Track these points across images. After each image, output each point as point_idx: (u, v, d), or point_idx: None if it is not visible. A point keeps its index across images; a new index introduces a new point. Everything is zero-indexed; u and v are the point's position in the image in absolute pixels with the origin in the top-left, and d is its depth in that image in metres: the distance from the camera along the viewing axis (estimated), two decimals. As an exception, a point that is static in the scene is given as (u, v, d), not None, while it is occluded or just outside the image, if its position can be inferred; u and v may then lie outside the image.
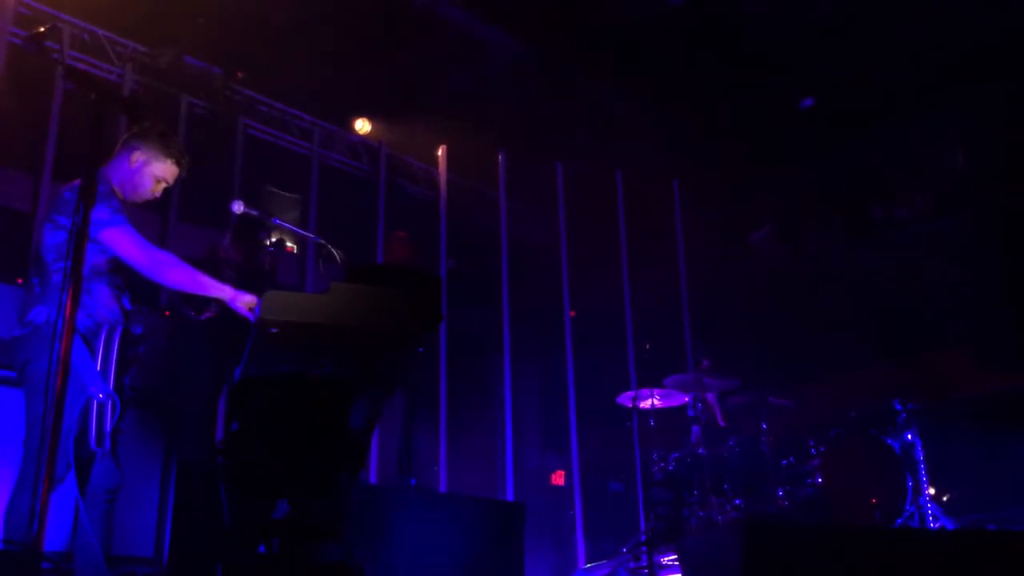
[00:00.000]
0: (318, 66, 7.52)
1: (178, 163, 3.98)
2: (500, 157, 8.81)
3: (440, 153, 8.80)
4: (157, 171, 3.93)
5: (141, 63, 7.19)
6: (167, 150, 3.94)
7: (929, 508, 6.31)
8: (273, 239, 4.40)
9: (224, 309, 3.98)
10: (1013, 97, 7.56)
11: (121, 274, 3.82)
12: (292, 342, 3.27)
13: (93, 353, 3.58)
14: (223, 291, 3.75)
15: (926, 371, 7.37)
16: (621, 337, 8.61)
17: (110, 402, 3.48)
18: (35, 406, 3.56)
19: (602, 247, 8.93)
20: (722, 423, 7.32)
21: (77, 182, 3.73)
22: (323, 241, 3.98)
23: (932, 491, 6.52)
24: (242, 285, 4.09)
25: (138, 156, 3.90)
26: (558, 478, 8.70)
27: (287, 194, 8.36)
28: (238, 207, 4.10)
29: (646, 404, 7.02)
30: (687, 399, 7.12)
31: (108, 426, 3.49)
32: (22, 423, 3.58)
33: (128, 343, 3.69)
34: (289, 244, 7.88)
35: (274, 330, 3.24)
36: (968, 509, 6.85)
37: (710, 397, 7.22)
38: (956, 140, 8.20)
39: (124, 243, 3.72)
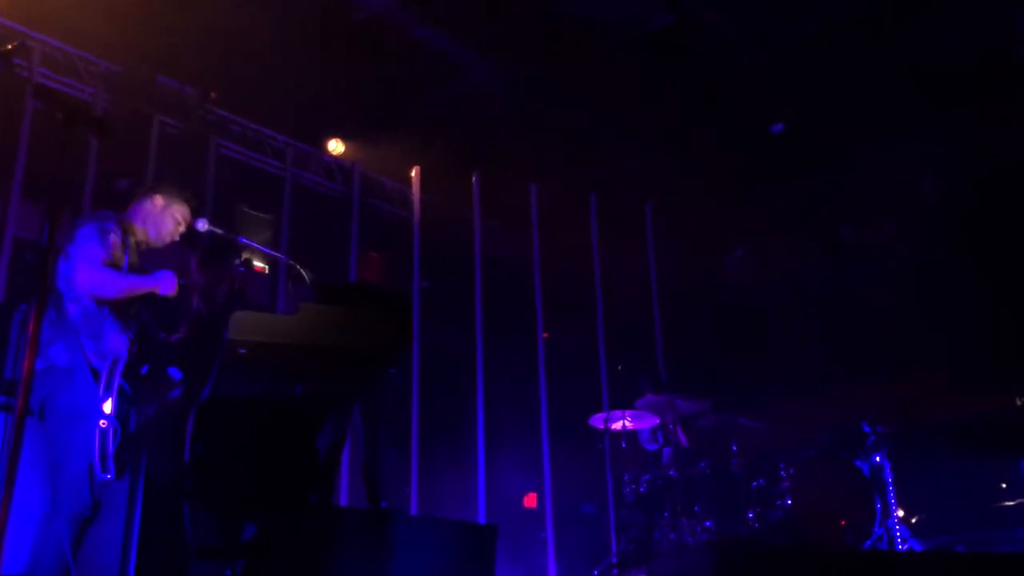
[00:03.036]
0: (292, 86, 7.52)
1: (190, 204, 4.39)
2: (474, 178, 8.83)
3: (414, 174, 8.80)
4: (176, 213, 4.32)
5: (113, 82, 7.15)
6: (180, 195, 4.36)
7: (898, 530, 6.36)
8: (243, 257, 4.42)
9: (193, 330, 4.01)
10: (979, 125, 7.68)
11: (129, 306, 4.00)
12: (261, 363, 3.27)
13: (97, 382, 3.72)
14: (149, 284, 4.04)
15: (896, 394, 7.43)
16: (594, 359, 8.62)
17: (111, 429, 3.57)
18: (63, 435, 3.69)
19: (576, 269, 8.95)
20: (686, 444, 7.32)
21: (86, 215, 4.03)
22: (292, 262, 3.97)
23: (901, 513, 6.56)
24: (210, 307, 4.16)
25: (160, 200, 4.29)
26: (530, 500, 8.67)
27: (260, 214, 8.32)
28: (203, 225, 4.28)
29: (618, 426, 7.03)
30: (658, 421, 7.14)
31: (111, 450, 3.57)
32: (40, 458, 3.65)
33: (147, 377, 3.80)
34: (259, 264, 7.83)
35: (242, 351, 3.23)
36: (936, 531, 6.89)
37: (669, 417, 7.19)
38: (924, 166, 8.31)
39: (80, 261, 3.89)
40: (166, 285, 4.07)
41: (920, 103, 7.76)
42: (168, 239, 4.31)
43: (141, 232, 4.23)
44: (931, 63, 7.46)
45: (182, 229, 4.35)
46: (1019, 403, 6.93)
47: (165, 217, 4.28)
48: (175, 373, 3.94)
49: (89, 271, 3.89)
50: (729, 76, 7.90)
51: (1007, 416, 6.97)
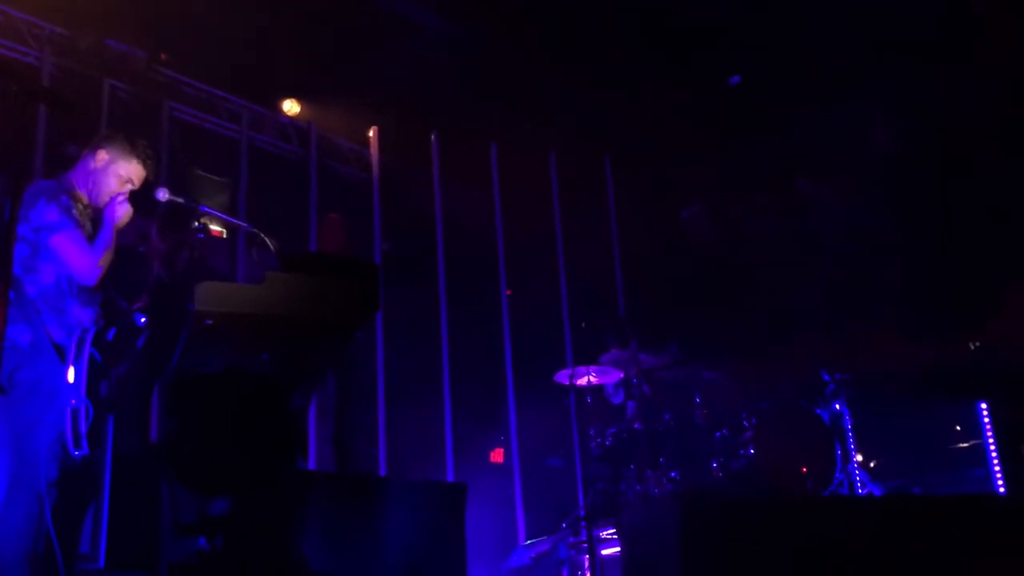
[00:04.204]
0: (245, 47, 7.38)
1: (144, 164, 4.08)
2: (433, 138, 8.77)
3: (372, 134, 8.72)
4: (122, 171, 4.02)
5: (60, 46, 6.97)
6: (133, 150, 4.04)
7: (857, 475, 6.53)
8: (201, 221, 4.34)
9: (156, 298, 3.97)
10: (935, 81, 7.76)
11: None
12: (228, 334, 3.25)
13: (64, 362, 3.62)
14: (111, 231, 3.89)
15: (854, 343, 7.58)
16: (557, 315, 8.68)
17: (83, 407, 3.51)
18: (26, 410, 3.60)
19: (537, 226, 8.97)
20: (649, 393, 7.37)
21: (30, 187, 3.86)
22: (255, 230, 3.92)
23: (860, 458, 6.74)
24: (171, 274, 4.09)
25: (103, 155, 3.99)
26: (497, 456, 8.76)
27: (216, 177, 8.19)
28: (163, 195, 4.00)
29: (583, 381, 7.09)
30: (622, 375, 7.21)
31: (83, 428, 3.52)
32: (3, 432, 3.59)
33: (116, 340, 3.73)
34: (216, 228, 7.72)
35: (209, 321, 3.21)
36: (894, 474, 7.09)
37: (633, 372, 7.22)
38: (878, 121, 8.39)
39: (68, 248, 3.77)
40: (119, 211, 3.91)
41: (875, 58, 7.82)
42: (107, 199, 3.97)
43: (84, 196, 3.97)
44: (887, 17, 7.50)
45: (131, 187, 4.04)
46: (972, 347, 7.10)
47: (107, 175, 3.98)
48: (138, 318, 3.87)
49: (88, 258, 3.77)
50: (684, 30, 7.89)
51: (961, 360, 7.15)
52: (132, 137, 4.12)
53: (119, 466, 4.40)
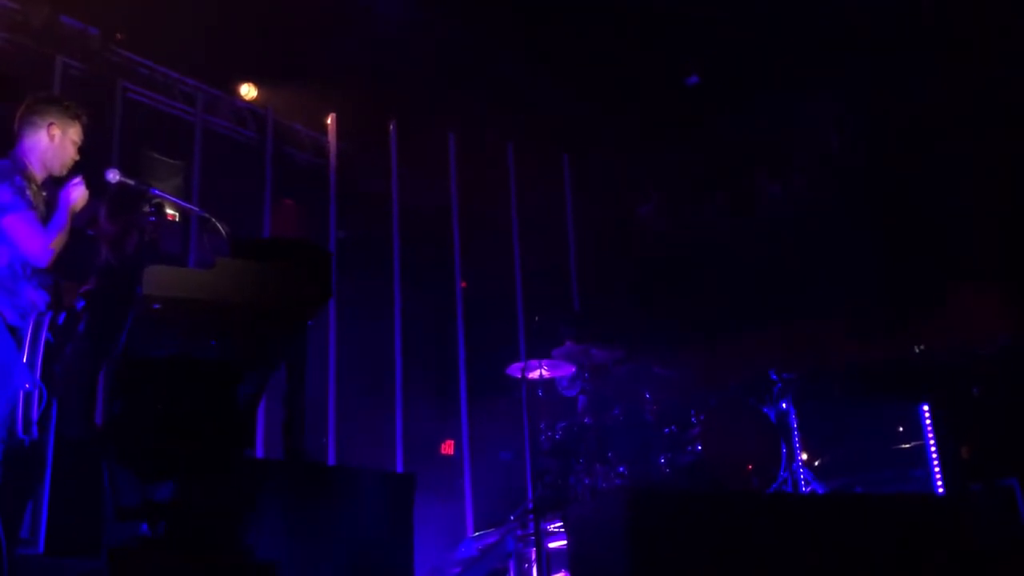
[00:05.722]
0: (202, 28, 7.27)
1: (82, 121, 4.17)
2: (391, 127, 8.73)
3: (330, 121, 8.65)
4: (74, 136, 4.12)
5: (12, 21, 6.83)
6: (71, 112, 4.12)
7: (801, 473, 6.63)
8: (153, 204, 4.30)
9: (103, 281, 3.93)
10: (881, 81, 7.88)
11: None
12: (176, 319, 3.22)
13: (20, 345, 3.60)
14: (66, 214, 3.91)
15: (802, 341, 7.68)
16: (511, 308, 8.69)
17: (36, 392, 3.47)
18: None
19: (493, 219, 8.97)
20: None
21: None
22: (207, 215, 3.89)
23: (804, 456, 6.84)
24: (120, 257, 4.07)
25: (55, 130, 4.04)
26: (448, 448, 8.76)
27: (169, 160, 8.09)
28: (113, 176, 4.00)
29: (535, 375, 7.12)
30: (575, 369, 7.25)
31: (35, 415, 3.48)
32: None
33: (65, 324, 3.70)
34: (170, 211, 7.65)
35: (157, 306, 3.17)
36: (838, 472, 7.20)
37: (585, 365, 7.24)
38: (831, 119, 8.50)
39: (21, 230, 3.75)
40: (74, 194, 3.93)
41: (826, 56, 7.91)
42: (68, 166, 4.09)
43: (42, 175, 3.99)
44: (838, 14, 7.60)
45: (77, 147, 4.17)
46: (917, 350, 7.23)
47: (64, 146, 4.07)
48: (78, 303, 3.85)
49: (41, 240, 3.74)
50: (641, 27, 7.92)
51: (905, 363, 7.26)
52: (57, 100, 4.21)
53: (62, 449, 4.34)
